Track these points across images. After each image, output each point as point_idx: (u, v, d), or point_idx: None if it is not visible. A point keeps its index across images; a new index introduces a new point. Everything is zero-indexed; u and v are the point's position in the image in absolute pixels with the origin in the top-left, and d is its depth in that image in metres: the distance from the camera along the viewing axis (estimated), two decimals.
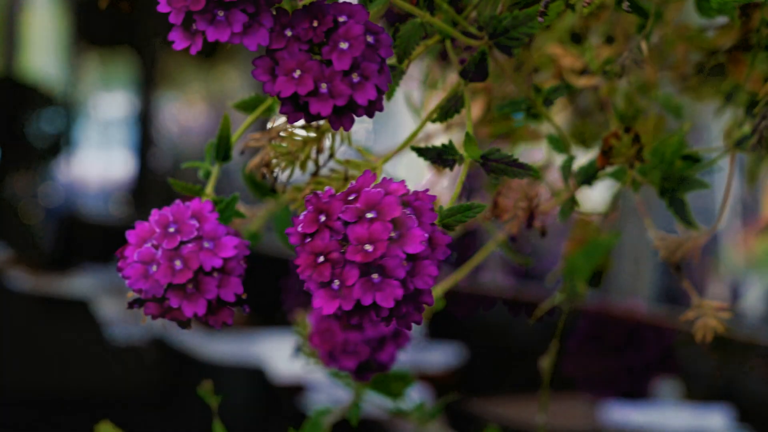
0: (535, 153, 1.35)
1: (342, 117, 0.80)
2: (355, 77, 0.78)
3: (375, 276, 0.74)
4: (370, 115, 0.81)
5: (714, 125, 1.27)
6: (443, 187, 1.33)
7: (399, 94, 0.96)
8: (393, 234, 0.74)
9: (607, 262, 1.27)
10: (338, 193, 0.77)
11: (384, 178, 0.77)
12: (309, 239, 0.75)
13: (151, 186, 9.10)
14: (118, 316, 5.11)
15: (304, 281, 0.75)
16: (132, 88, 9.43)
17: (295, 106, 0.79)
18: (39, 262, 6.94)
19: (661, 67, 1.22)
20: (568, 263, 1.25)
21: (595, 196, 1.07)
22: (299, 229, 0.76)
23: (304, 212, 0.76)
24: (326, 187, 0.77)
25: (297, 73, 0.78)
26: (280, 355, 4.32)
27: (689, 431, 3.79)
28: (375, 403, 1.21)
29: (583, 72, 1.18)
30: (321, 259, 0.75)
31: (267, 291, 5.89)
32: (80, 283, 5.85)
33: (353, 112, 0.80)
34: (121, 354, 4.64)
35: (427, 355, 4.70)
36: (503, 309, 5.28)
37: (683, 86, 1.22)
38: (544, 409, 1.31)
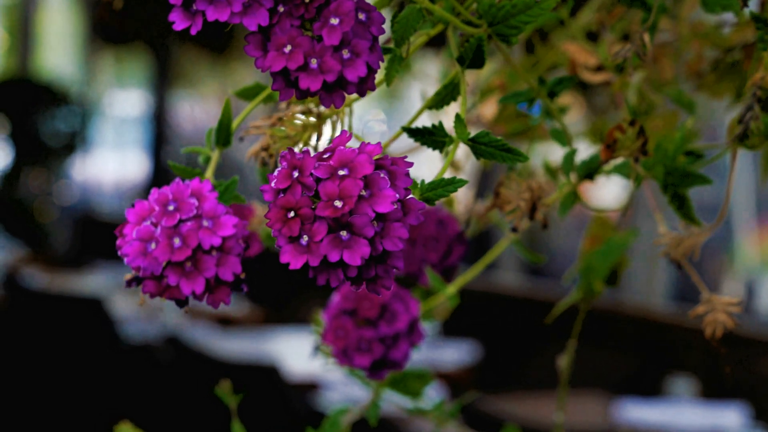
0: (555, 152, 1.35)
1: (332, 93, 0.79)
2: (346, 53, 0.78)
3: (343, 233, 0.74)
4: (361, 94, 0.81)
5: (725, 121, 1.26)
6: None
7: (414, 90, 0.95)
8: (364, 192, 0.74)
9: (624, 261, 1.26)
10: (315, 153, 0.77)
11: (362, 143, 0.77)
12: (281, 195, 0.75)
13: (165, 184, 9.11)
14: (131, 314, 5.11)
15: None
16: (146, 86, 9.44)
17: (287, 82, 0.79)
18: (53, 260, 6.95)
19: (677, 64, 1.22)
20: (585, 261, 1.24)
21: (611, 194, 1.07)
22: (273, 184, 0.76)
23: (279, 168, 0.76)
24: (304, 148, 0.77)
25: (288, 48, 0.78)
26: (294, 353, 4.32)
27: (704, 429, 3.78)
28: (393, 402, 1.21)
29: (598, 69, 1.18)
30: (291, 214, 0.75)
31: (281, 289, 5.90)
32: (94, 281, 5.86)
33: (343, 89, 0.80)
34: (134, 352, 4.65)
35: (441, 352, 4.69)
36: (518, 307, 5.28)
37: (699, 83, 1.22)
38: (562, 408, 1.31)
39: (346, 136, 0.78)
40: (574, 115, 1.08)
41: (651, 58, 1.17)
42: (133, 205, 0.80)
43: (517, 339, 5.18)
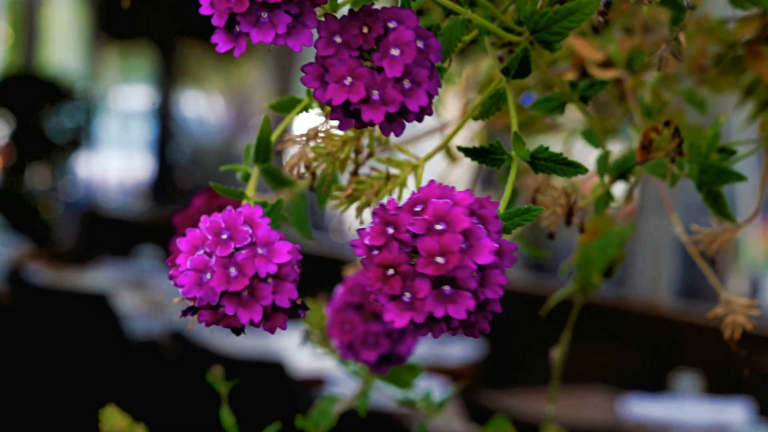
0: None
1: (393, 123, 0.79)
2: (407, 83, 0.77)
3: (446, 288, 0.73)
4: (420, 120, 0.80)
5: (733, 118, 1.26)
6: (457, 175, 1.32)
7: None
8: (463, 245, 0.73)
9: (621, 254, 1.26)
10: (404, 204, 0.75)
11: (446, 187, 0.76)
12: (377, 252, 0.74)
13: (170, 179, 9.12)
14: (136, 310, 5.11)
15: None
16: (151, 81, 9.45)
17: (346, 113, 0.79)
18: (58, 255, 6.95)
19: (682, 60, 1.21)
20: (582, 254, 1.24)
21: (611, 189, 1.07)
22: (366, 241, 0.75)
23: (371, 224, 0.75)
24: (389, 198, 0.76)
25: (348, 81, 0.77)
26: (299, 348, 4.32)
27: (709, 425, 3.77)
28: (384, 393, 1.20)
29: (604, 64, 1.17)
30: (391, 272, 0.74)
31: None
32: (99, 277, 5.86)
33: (404, 118, 0.79)
34: (139, 348, 4.65)
35: (446, 348, 4.69)
36: (523, 302, 5.28)
37: (701, 78, 1.21)
38: (554, 400, 1.31)
39: (435, 186, 0.76)
40: (575, 112, 1.08)
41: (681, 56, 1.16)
42: (184, 234, 0.79)
43: (522, 334, 5.18)
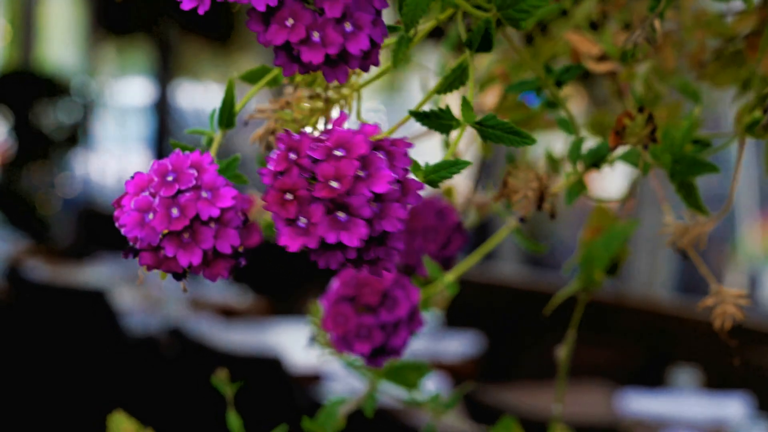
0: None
1: (335, 68, 0.78)
2: (348, 26, 0.77)
3: (341, 214, 0.73)
4: (365, 69, 0.79)
5: (732, 112, 1.26)
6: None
7: (414, 82, 0.94)
8: (361, 173, 0.73)
9: (624, 251, 1.26)
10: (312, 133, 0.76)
11: (362, 124, 0.76)
12: (279, 177, 0.75)
13: None
14: (134, 306, 5.11)
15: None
16: (149, 76, 9.44)
17: (289, 57, 0.78)
18: (56, 252, 6.96)
19: (679, 53, 1.21)
20: (585, 252, 1.24)
21: (612, 184, 1.06)
22: (270, 167, 0.75)
23: (276, 150, 0.75)
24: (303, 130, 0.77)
25: (290, 22, 0.76)
26: (297, 344, 4.32)
27: (708, 420, 3.77)
28: (390, 393, 1.20)
29: (601, 58, 1.17)
30: (289, 196, 0.74)
31: (284, 281, 5.90)
32: (97, 273, 5.86)
33: (346, 63, 0.78)
34: (137, 344, 4.65)
35: (444, 344, 4.69)
36: (520, 297, 5.28)
37: (701, 73, 1.21)
38: (561, 399, 1.31)
39: (344, 117, 0.77)
40: (575, 107, 1.07)
41: (655, 47, 1.16)
42: (132, 177, 0.79)
43: (519, 330, 5.18)
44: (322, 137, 0.75)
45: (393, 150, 0.76)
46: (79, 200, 8.98)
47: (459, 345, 4.73)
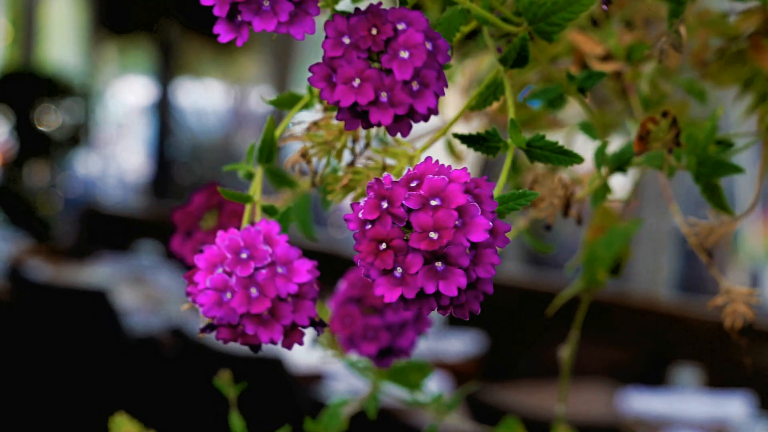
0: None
1: (401, 124, 0.78)
2: (415, 85, 0.77)
3: (439, 264, 0.73)
4: (427, 120, 0.80)
5: (732, 111, 1.26)
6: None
7: None
8: (457, 222, 0.73)
9: (627, 251, 1.26)
10: (400, 180, 0.75)
11: (442, 165, 0.75)
12: (370, 226, 0.74)
13: (169, 175, 9.12)
14: (136, 305, 5.11)
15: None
16: (150, 76, 9.44)
17: (353, 114, 0.78)
18: (57, 252, 6.95)
19: (682, 52, 1.21)
20: (588, 251, 1.24)
21: (613, 184, 1.06)
22: (360, 215, 0.74)
23: (365, 198, 0.75)
24: (385, 174, 0.76)
25: (356, 82, 0.77)
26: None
27: (709, 419, 3.77)
28: (393, 394, 1.20)
29: (605, 58, 1.17)
30: (383, 246, 0.73)
31: None
32: (98, 273, 5.86)
33: (411, 119, 0.79)
34: (139, 344, 4.65)
35: (446, 343, 4.69)
36: (523, 297, 5.27)
37: (703, 72, 1.21)
38: (564, 399, 1.31)
39: (431, 163, 0.76)
40: (576, 107, 1.07)
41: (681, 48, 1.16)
42: (202, 251, 0.79)
43: (522, 329, 5.18)
44: (413, 184, 0.74)
45: (479, 193, 0.75)
46: (80, 200, 8.98)
47: (461, 344, 4.73)
